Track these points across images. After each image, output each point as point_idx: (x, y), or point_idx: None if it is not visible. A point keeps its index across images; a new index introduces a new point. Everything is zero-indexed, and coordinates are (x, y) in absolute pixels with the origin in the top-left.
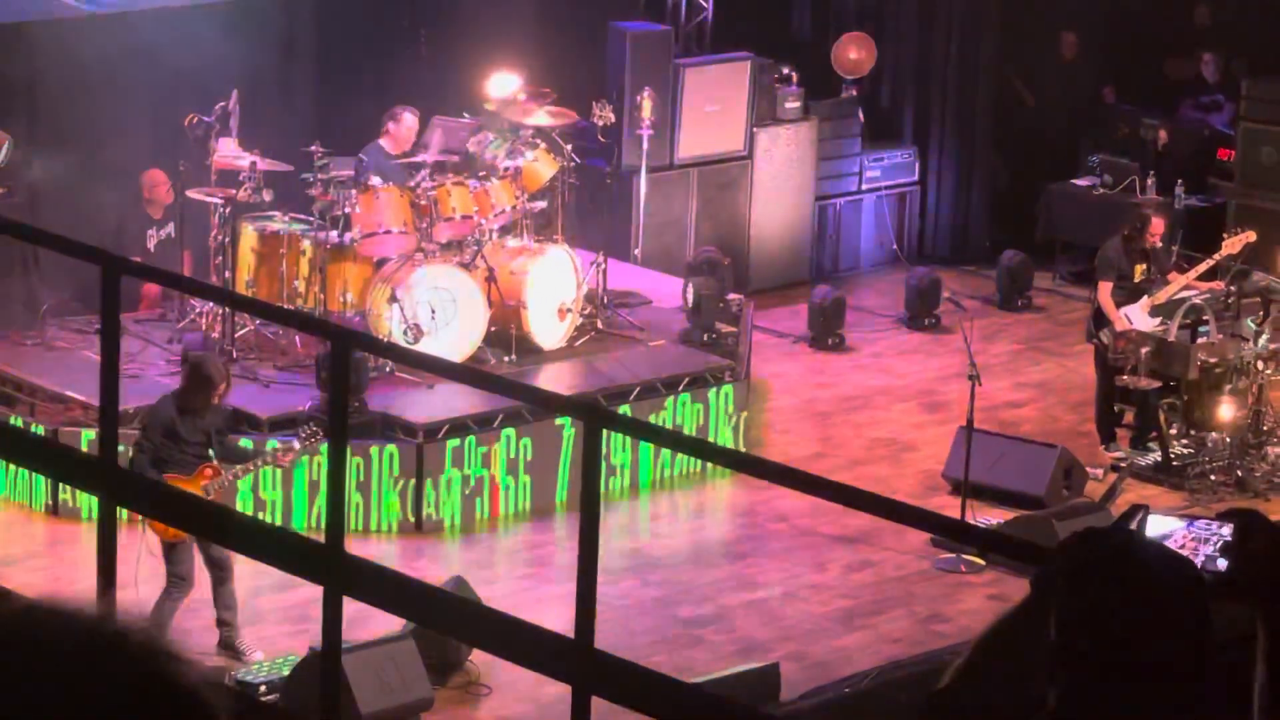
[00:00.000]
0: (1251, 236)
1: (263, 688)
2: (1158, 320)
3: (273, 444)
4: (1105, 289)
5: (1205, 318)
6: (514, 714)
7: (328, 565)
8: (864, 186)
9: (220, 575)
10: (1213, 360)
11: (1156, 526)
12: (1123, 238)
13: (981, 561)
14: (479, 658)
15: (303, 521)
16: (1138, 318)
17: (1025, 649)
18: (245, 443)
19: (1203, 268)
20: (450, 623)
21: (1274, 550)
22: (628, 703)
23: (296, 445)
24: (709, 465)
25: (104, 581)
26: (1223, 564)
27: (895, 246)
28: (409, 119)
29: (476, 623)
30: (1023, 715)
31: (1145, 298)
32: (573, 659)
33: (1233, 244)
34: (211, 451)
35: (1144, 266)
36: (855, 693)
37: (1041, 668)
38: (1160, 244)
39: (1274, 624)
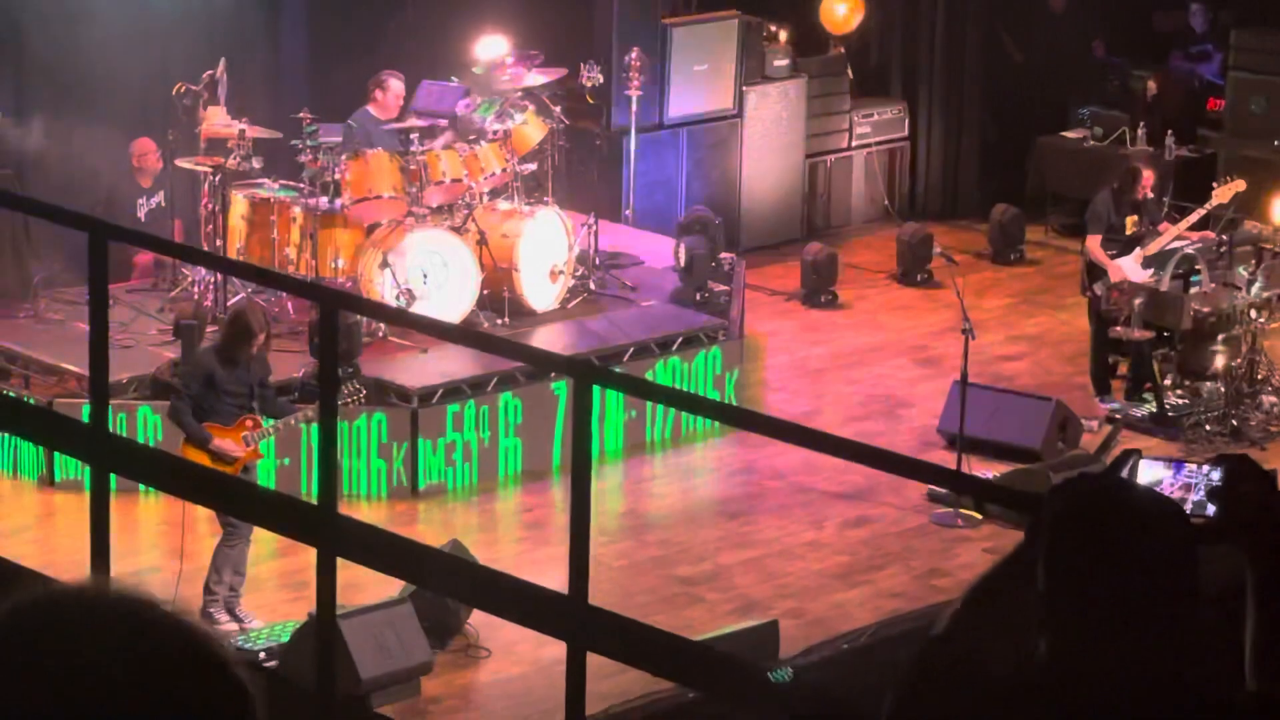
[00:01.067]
0: (1241, 185)
1: (262, 654)
2: (1150, 271)
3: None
4: (1094, 241)
5: (1198, 267)
6: (513, 676)
7: (321, 527)
8: (854, 143)
9: (246, 532)
10: (1206, 310)
11: (1146, 473)
12: (1112, 191)
13: (979, 516)
14: (477, 620)
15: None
16: (1130, 269)
17: (1019, 596)
18: None
19: (1193, 218)
20: (443, 581)
21: (1262, 494)
22: (624, 658)
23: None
24: (704, 424)
25: (97, 550)
26: (1211, 509)
27: (886, 202)
28: (395, 85)
29: (470, 581)
30: (1016, 662)
31: (1137, 249)
32: (567, 615)
33: (1222, 193)
34: (255, 405)
35: (1135, 219)
36: (854, 648)
37: (1033, 614)
38: (1151, 196)
39: (1262, 568)
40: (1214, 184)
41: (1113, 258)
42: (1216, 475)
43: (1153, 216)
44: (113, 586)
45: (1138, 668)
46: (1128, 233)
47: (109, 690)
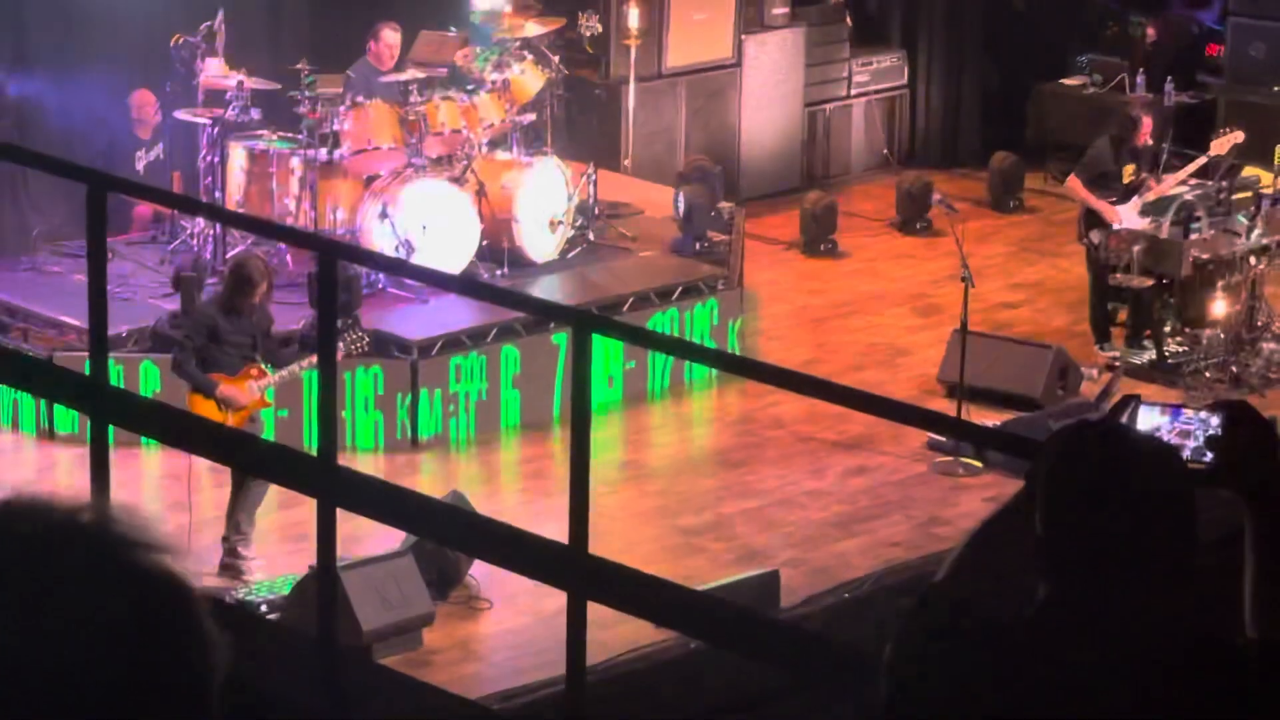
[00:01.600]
0: (1239, 137)
1: (263, 607)
2: (1148, 220)
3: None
4: (1078, 184)
5: (1197, 214)
6: (515, 627)
7: (321, 478)
8: (853, 91)
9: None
10: (1205, 256)
11: (1144, 419)
12: (1111, 138)
13: (979, 464)
14: (478, 572)
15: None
16: (1129, 218)
17: (1019, 542)
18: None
19: (1191, 168)
20: (444, 532)
21: (1260, 440)
22: (625, 608)
23: (340, 349)
24: (704, 373)
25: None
26: (1209, 457)
27: (886, 151)
28: (389, 35)
29: (471, 532)
30: (1017, 608)
31: (1136, 198)
32: (567, 565)
33: (1220, 145)
34: (258, 355)
35: (1133, 167)
36: (855, 597)
37: (1031, 560)
38: (1150, 143)
39: (1260, 515)
40: (1213, 134)
41: (1112, 204)
42: (1215, 421)
43: (1149, 164)
44: (40, 497)
45: (1135, 613)
46: (1124, 181)
47: (20, 602)
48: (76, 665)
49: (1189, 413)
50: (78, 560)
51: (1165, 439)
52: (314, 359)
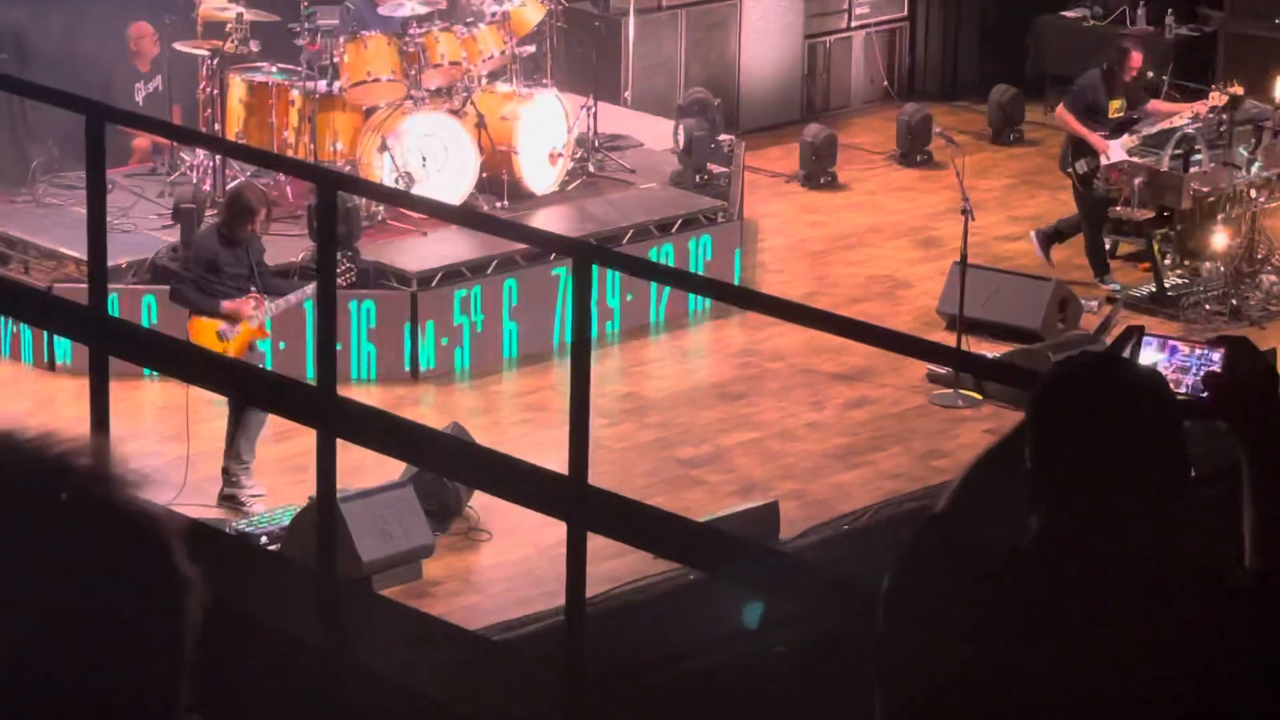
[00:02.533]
0: (1239, 90)
1: (263, 538)
2: (1137, 157)
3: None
4: (1067, 115)
5: (1197, 147)
6: (514, 559)
7: (320, 408)
8: (853, 23)
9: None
10: (1205, 189)
11: (1144, 355)
12: (1101, 71)
13: (979, 396)
14: (478, 503)
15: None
16: (1117, 152)
17: (1017, 474)
18: None
19: (1185, 112)
20: (444, 463)
21: (1259, 376)
22: (624, 539)
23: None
24: (704, 305)
25: (99, 431)
26: (1206, 395)
27: (886, 83)
28: None
29: (470, 462)
30: (1014, 538)
31: (1126, 135)
32: (567, 495)
33: (1218, 97)
34: (255, 284)
35: (1120, 101)
36: (854, 529)
37: (1024, 491)
38: (1138, 76)
39: (1256, 449)
40: (1214, 86)
41: (1104, 138)
42: (1215, 357)
43: (1136, 99)
44: (9, 431)
45: (1125, 545)
46: (1111, 115)
47: (24, 548)
48: (44, 601)
49: (1185, 349)
50: (43, 495)
51: (1159, 372)
52: (311, 288)
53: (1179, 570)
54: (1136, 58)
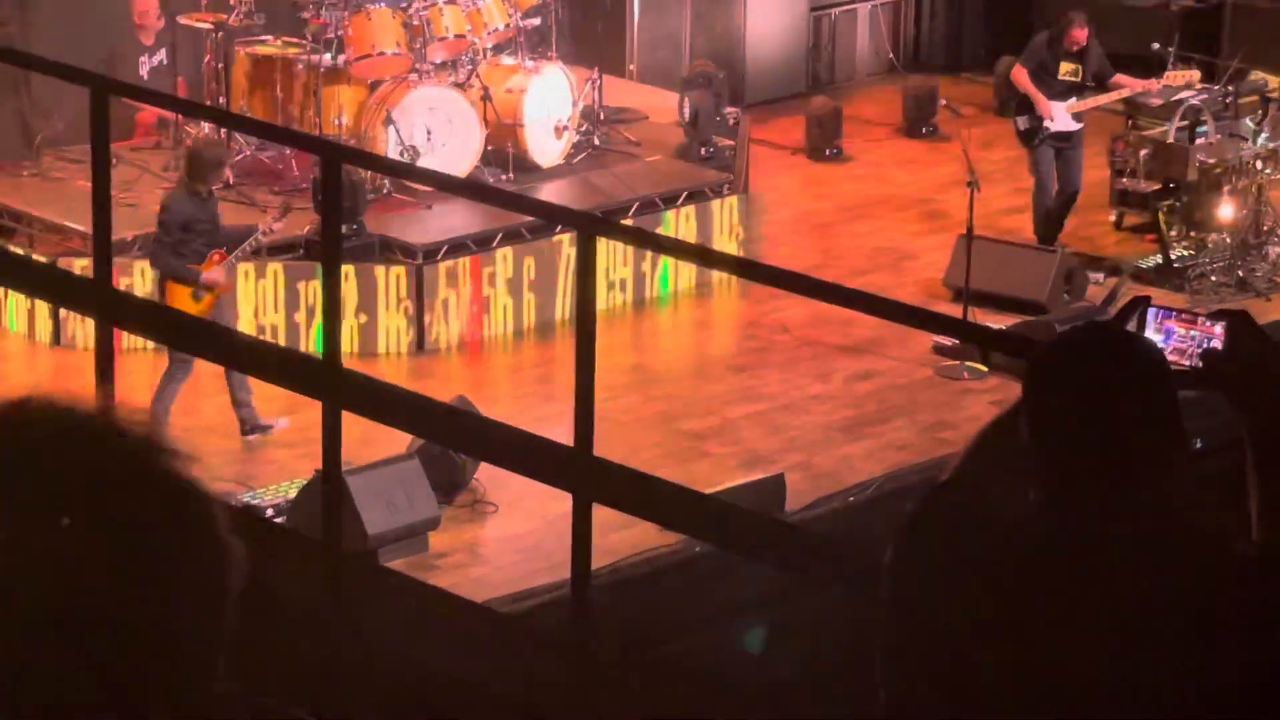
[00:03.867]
0: (1195, 76)
1: (270, 510)
2: (1079, 125)
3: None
4: (1020, 72)
5: (1203, 119)
6: (521, 531)
7: (326, 380)
8: None
9: None
10: (1211, 161)
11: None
12: (1049, 34)
13: (984, 368)
14: (484, 475)
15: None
16: (1060, 117)
17: (1021, 444)
18: None
19: (1137, 87)
20: (450, 435)
21: (1259, 350)
22: (630, 510)
23: (282, 218)
24: (709, 277)
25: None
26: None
27: (891, 55)
28: None
29: (476, 435)
30: (1017, 511)
31: (1073, 99)
32: (572, 467)
33: (1174, 78)
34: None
35: (1073, 67)
36: (860, 501)
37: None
38: (1088, 48)
39: (1257, 426)
40: (1170, 68)
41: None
42: (1218, 330)
43: (1097, 69)
44: (60, 398)
45: (1125, 517)
46: (1060, 76)
47: (39, 502)
48: (94, 567)
49: (1182, 329)
50: (98, 462)
51: (1155, 343)
52: (265, 229)
53: (1182, 541)
54: (1078, 33)
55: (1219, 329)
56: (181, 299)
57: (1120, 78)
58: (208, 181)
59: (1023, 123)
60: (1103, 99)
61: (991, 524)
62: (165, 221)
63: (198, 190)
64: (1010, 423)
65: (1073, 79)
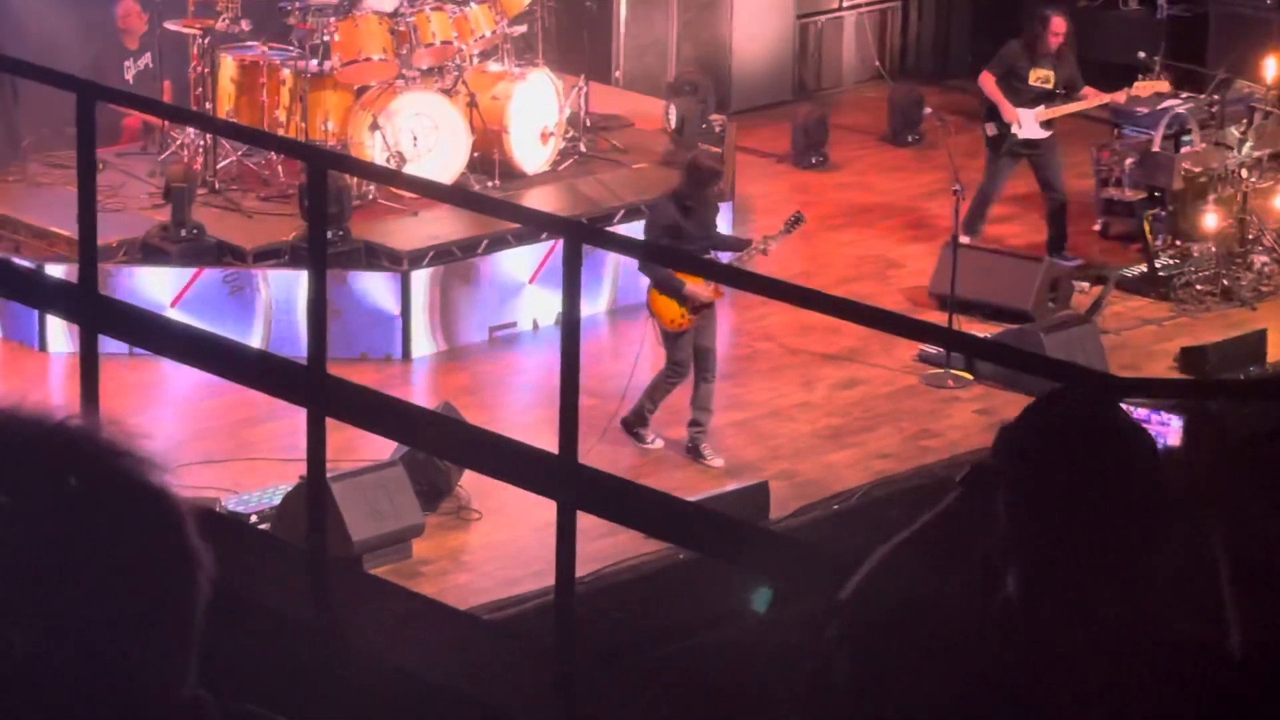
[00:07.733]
0: (1164, 87)
1: (253, 517)
2: (1048, 133)
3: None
4: (988, 79)
5: (1189, 127)
6: (505, 539)
7: (310, 387)
8: (845, 3)
9: (705, 373)
10: (1197, 170)
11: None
12: (1023, 38)
13: (969, 376)
14: (469, 483)
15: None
16: (1028, 124)
17: (960, 539)
18: None
19: (1105, 99)
20: (435, 442)
21: (1224, 453)
22: (614, 517)
23: (776, 237)
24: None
25: (87, 411)
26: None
27: (877, 63)
28: None
29: (461, 441)
30: (980, 602)
31: (1042, 106)
32: (557, 474)
33: (1143, 88)
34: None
35: (1047, 74)
36: (845, 509)
37: (996, 558)
38: (1066, 44)
39: (1233, 543)
40: (1140, 76)
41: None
42: (1175, 424)
43: (1068, 77)
44: (28, 407)
45: (1113, 613)
46: (1032, 83)
47: (46, 522)
48: (57, 574)
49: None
50: (65, 470)
51: (1138, 423)
52: (761, 244)
53: (1170, 640)
54: (1058, 22)
55: (1176, 423)
56: (666, 308)
57: (1089, 90)
58: (702, 191)
59: (991, 129)
60: (1073, 107)
61: (945, 623)
62: (646, 225)
63: (685, 200)
64: (941, 527)
65: (1044, 85)
